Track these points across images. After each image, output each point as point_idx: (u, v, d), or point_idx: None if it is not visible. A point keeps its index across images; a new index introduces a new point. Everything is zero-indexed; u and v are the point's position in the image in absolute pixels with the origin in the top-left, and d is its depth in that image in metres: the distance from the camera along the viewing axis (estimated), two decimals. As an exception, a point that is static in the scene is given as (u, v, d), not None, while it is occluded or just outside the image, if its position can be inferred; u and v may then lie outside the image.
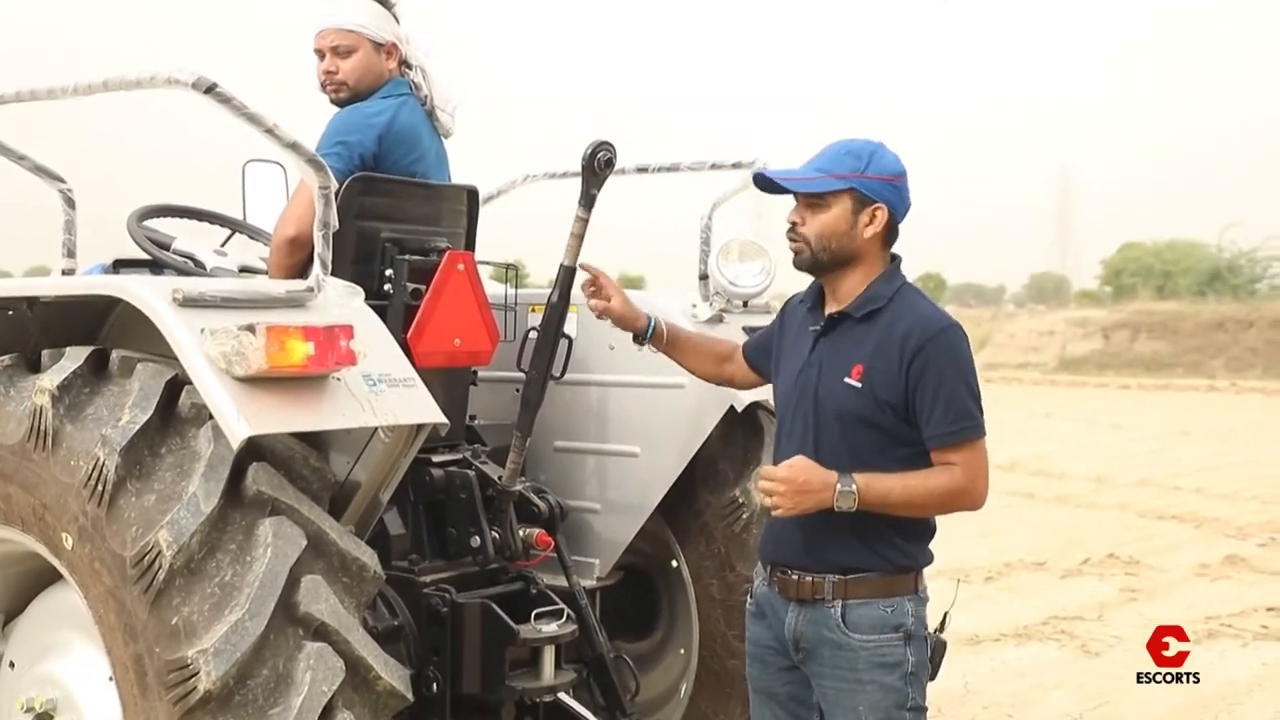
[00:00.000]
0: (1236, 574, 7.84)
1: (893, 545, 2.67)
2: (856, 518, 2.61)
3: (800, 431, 2.73)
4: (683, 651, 3.80)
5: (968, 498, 2.64)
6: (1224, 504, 10.41)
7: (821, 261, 2.73)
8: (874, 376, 2.64)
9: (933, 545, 2.78)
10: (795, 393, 2.76)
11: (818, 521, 2.64)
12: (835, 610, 2.66)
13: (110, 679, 2.55)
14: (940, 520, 2.77)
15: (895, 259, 2.78)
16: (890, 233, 2.73)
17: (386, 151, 3.24)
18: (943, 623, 2.83)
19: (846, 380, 2.66)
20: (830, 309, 2.77)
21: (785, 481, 2.58)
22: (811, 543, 2.69)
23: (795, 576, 2.72)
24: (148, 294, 2.48)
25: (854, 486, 2.56)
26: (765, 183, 2.78)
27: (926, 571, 2.77)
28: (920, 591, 2.72)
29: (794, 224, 2.74)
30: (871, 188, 2.67)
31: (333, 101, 3.37)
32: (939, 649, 2.77)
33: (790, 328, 2.89)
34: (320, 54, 3.36)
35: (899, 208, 2.72)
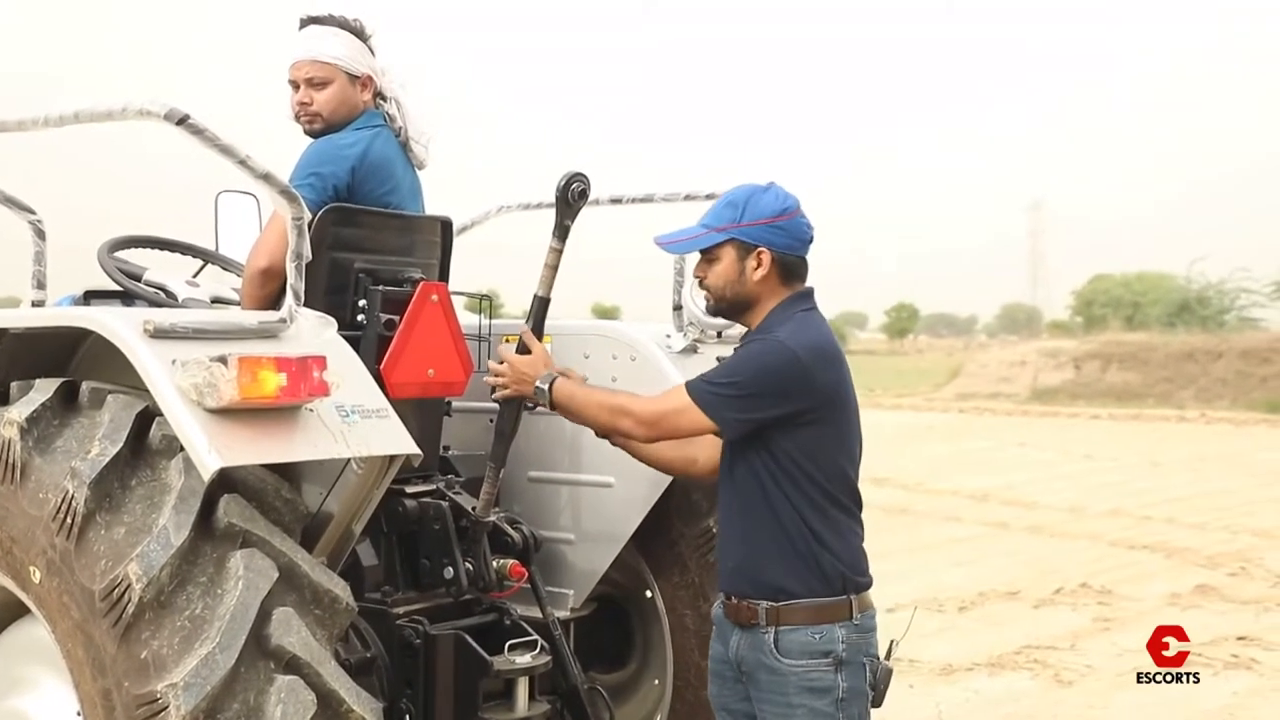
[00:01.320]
0: (1207, 603, 7.88)
1: (821, 572, 2.73)
2: (785, 543, 2.73)
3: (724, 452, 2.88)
4: (657, 682, 3.79)
5: (631, 421, 2.83)
6: (1195, 533, 10.47)
7: (723, 309, 2.90)
8: None
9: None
10: None
11: (753, 547, 2.76)
12: (769, 636, 2.75)
13: (78, 714, 2.52)
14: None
15: (806, 291, 2.87)
16: (785, 269, 2.83)
17: (360, 183, 3.24)
18: (889, 651, 2.89)
19: None
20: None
21: (504, 368, 3.01)
22: (748, 568, 2.79)
23: (735, 601, 2.83)
24: (118, 325, 2.46)
25: (547, 385, 2.91)
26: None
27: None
28: (855, 619, 2.76)
29: (699, 278, 2.90)
30: (750, 234, 2.81)
31: (307, 133, 3.37)
32: (884, 676, 2.81)
33: None
34: (295, 85, 3.37)
35: (785, 245, 2.82)
